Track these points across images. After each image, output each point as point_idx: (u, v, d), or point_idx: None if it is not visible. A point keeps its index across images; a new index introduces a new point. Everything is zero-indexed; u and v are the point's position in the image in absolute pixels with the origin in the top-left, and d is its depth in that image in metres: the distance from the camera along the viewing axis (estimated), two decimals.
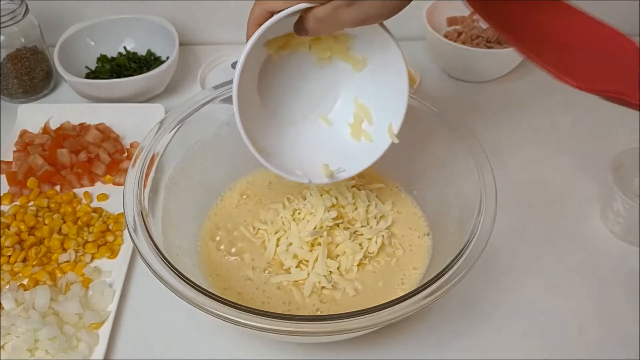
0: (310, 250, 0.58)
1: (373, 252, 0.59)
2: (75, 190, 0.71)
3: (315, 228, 0.58)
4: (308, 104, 0.58)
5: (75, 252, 0.63)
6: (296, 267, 0.58)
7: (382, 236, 0.60)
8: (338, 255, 0.59)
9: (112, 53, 0.89)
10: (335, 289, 0.57)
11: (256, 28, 0.47)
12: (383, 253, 0.60)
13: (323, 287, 0.57)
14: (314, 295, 0.57)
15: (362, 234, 0.60)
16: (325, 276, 0.57)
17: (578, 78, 0.43)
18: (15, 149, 0.75)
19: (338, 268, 0.58)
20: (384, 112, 0.56)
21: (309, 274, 0.57)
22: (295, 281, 0.58)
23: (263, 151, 0.54)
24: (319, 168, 0.56)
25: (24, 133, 0.77)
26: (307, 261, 0.58)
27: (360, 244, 0.60)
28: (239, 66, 0.49)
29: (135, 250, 0.50)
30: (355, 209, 0.62)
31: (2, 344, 0.54)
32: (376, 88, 0.56)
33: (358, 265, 0.59)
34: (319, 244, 0.58)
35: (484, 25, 0.92)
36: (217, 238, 0.62)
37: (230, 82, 0.62)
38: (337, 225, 0.60)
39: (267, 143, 0.55)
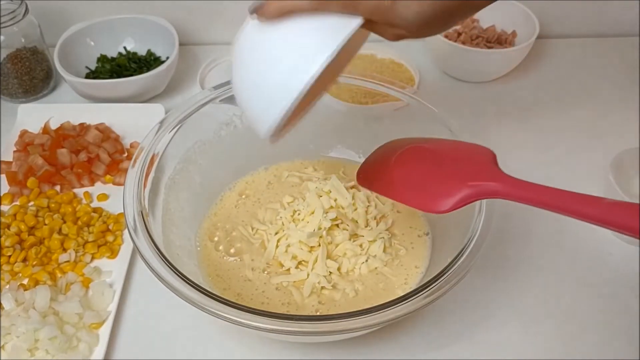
0: (310, 251, 0.58)
1: (375, 256, 0.59)
2: (75, 190, 0.71)
3: (314, 230, 0.58)
4: None
5: (75, 252, 0.63)
6: (296, 267, 0.58)
7: (383, 238, 0.60)
8: (339, 256, 0.59)
9: (112, 53, 0.89)
10: (335, 290, 0.57)
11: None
12: (385, 254, 0.60)
13: (323, 288, 0.57)
14: (313, 296, 0.57)
15: (362, 235, 0.60)
16: (325, 277, 0.57)
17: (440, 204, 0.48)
18: (15, 149, 0.75)
19: (338, 269, 0.58)
20: None
21: (308, 275, 0.57)
22: (295, 282, 0.58)
23: None
24: None
25: (24, 133, 0.77)
26: (307, 262, 0.58)
27: (360, 245, 0.60)
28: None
29: (136, 250, 0.50)
30: (355, 209, 0.62)
31: (2, 344, 0.54)
32: None
33: (350, 271, 0.59)
34: (319, 245, 0.58)
35: (484, 25, 0.92)
36: (216, 238, 0.62)
37: (229, 82, 0.63)
38: (337, 225, 0.60)
39: None
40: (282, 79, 0.43)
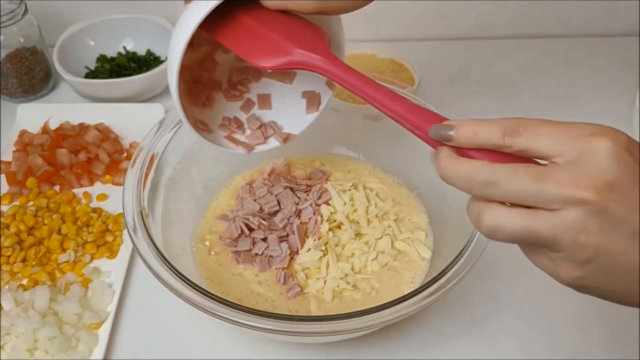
0: (319, 259, 0.58)
1: (383, 251, 0.59)
2: (75, 191, 0.71)
3: (315, 240, 0.58)
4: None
5: (74, 252, 0.63)
6: (306, 278, 0.58)
7: (389, 234, 0.60)
8: (348, 257, 0.59)
9: (111, 53, 0.88)
10: (355, 289, 0.57)
11: None
12: (392, 249, 0.60)
13: (343, 290, 0.57)
14: (335, 300, 0.56)
15: (367, 234, 0.60)
16: (341, 279, 0.57)
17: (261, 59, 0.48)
18: (14, 149, 0.75)
19: (347, 273, 0.58)
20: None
21: (325, 282, 0.57)
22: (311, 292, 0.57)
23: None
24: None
25: (23, 133, 0.77)
26: (319, 269, 0.58)
27: (366, 243, 0.59)
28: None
29: (135, 250, 0.50)
30: (355, 210, 0.61)
31: (1, 344, 0.54)
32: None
33: (363, 269, 0.59)
34: (327, 251, 0.58)
35: None
36: (207, 243, 0.62)
37: None
38: (339, 227, 0.60)
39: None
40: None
